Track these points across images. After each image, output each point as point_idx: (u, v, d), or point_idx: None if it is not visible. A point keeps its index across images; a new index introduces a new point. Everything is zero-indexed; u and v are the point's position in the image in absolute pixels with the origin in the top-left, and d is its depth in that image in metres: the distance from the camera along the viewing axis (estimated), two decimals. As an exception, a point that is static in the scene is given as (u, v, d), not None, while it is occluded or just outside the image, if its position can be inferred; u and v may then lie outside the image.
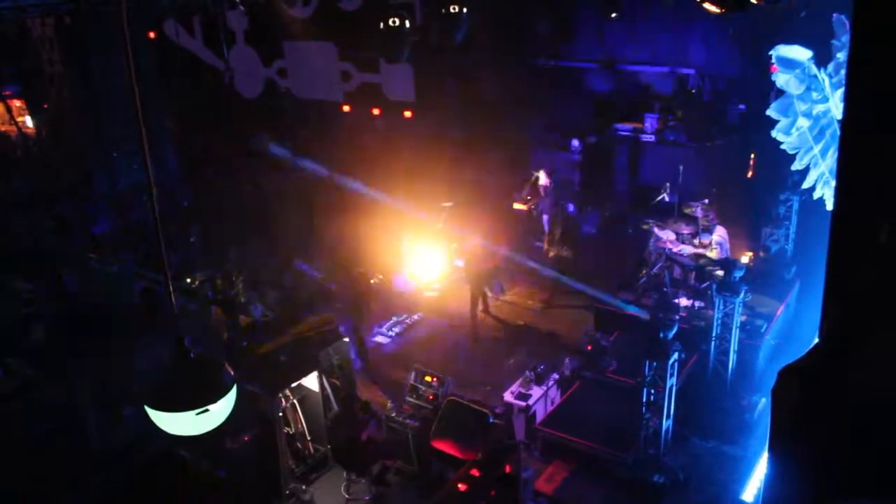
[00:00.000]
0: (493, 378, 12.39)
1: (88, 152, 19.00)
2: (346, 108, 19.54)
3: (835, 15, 11.39)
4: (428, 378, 10.54)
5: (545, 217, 17.13)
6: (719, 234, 13.26)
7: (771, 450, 3.20)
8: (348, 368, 10.78)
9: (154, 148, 18.45)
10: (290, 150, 19.08)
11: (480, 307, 14.22)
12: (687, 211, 13.59)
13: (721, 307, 11.25)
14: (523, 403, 10.90)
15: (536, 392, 11.12)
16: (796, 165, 12.27)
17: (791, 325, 13.21)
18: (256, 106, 20.26)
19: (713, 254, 12.99)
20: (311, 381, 10.38)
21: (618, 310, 13.17)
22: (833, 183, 7.94)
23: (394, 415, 10.35)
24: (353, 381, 10.94)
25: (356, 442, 10.94)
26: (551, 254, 14.66)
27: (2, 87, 20.65)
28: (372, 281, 14.15)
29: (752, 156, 15.98)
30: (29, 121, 21.51)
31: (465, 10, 14.10)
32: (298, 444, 10.59)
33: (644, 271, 13.79)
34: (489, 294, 14.43)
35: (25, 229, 15.73)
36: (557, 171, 16.81)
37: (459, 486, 8.50)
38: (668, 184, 14.40)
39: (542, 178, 16.53)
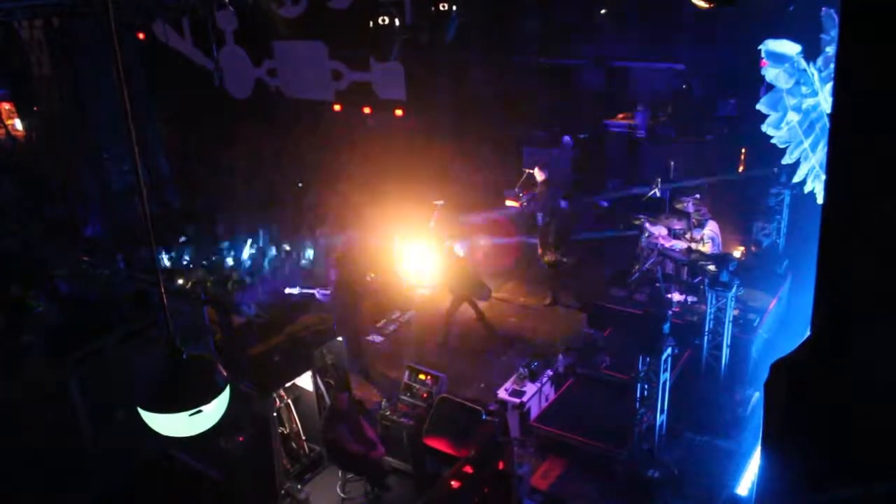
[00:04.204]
0: (486, 375, 12.41)
1: (79, 154, 18.91)
2: (336, 108, 19.53)
3: (823, 9, 11.43)
4: (422, 376, 10.53)
5: (538, 215, 17.14)
6: (711, 228, 13.30)
7: (764, 443, 3.21)
8: (342, 368, 10.77)
9: (144, 150, 18.41)
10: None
11: (474, 316, 14.15)
12: (678, 206, 13.63)
13: (713, 302, 11.29)
14: (517, 400, 10.91)
15: (530, 389, 11.14)
16: (787, 160, 12.30)
17: (783, 318, 13.26)
18: (247, 106, 20.23)
19: (705, 248, 13.03)
20: (306, 381, 10.37)
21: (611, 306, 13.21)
22: (823, 177, 7.99)
23: (388, 413, 10.35)
24: (348, 381, 10.93)
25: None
26: (546, 258, 14.57)
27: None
28: (367, 278, 14.12)
29: (743, 150, 16.04)
30: (18, 124, 21.41)
31: (454, 7, 14.12)
32: (293, 444, 10.59)
33: (636, 267, 13.82)
34: (478, 302, 14.30)
35: (15, 232, 15.65)
36: (550, 166, 16.82)
37: (452, 483, 8.49)
38: (659, 179, 14.43)
39: (538, 174, 16.53)
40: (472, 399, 10.01)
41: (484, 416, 9.39)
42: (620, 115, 18.11)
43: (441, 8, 14.42)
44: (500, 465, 8.85)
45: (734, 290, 11.16)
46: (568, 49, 18.36)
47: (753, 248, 13.97)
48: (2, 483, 9.17)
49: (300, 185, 18.89)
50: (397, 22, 15.46)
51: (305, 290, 13.27)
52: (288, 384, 10.32)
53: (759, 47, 11.89)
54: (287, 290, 13.35)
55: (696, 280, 12.87)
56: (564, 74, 18.62)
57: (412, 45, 16.76)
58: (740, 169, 16.16)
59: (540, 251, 14.75)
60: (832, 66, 11.24)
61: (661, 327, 9.53)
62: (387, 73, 18.05)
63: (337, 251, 14.00)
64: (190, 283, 13.59)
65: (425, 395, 10.35)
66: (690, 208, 13.36)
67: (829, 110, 10.41)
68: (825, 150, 6.83)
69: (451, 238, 14.41)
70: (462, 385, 11.67)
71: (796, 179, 12.51)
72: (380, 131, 19.34)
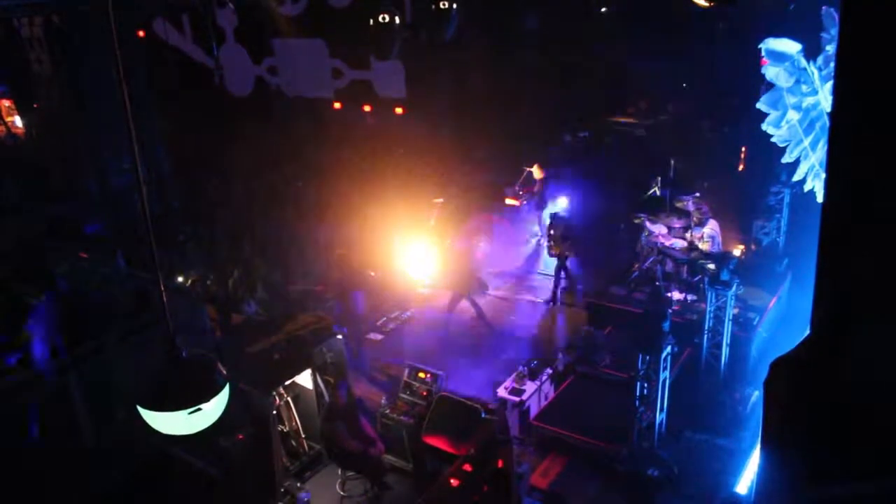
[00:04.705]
0: (486, 374, 12.41)
1: (79, 152, 18.92)
2: (337, 106, 19.50)
3: (823, 8, 11.42)
4: (421, 374, 10.54)
5: (538, 213, 17.15)
6: (711, 227, 13.28)
7: (763, 442, 3.21)
8: (341, 366, 10.77)
9: (145, 147, 18.41)
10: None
11: (474, 314, 14.16)
12: (678, 205, 13.62)
13: (713, 300, 11.28)
14: (517, 398, 10.92)
15: (530, 387, 11.15)
16: (787, 158, 12.29)
17: (783, 317, 13.26)
18: (247, 104, 20.21)
19: (705, 247, 13.02)
20: (305, 379, 10.37)
21: (611, 304, 13.23)
22: (823, 175, 8.01)
23: (388, 411, 10.35)
24: (347, 379, 10.93)
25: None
26: (553, 251, 14.57)
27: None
28: (371, 273, 14.12)
29: (743, 149, 16.03)
30: (18, 121, 21.42)
31: (454, 5, 14.09)
32: (293, 442, 10.58)
33: (636, 265, 13.82)
34: (476, 299, 14.30)
35: (15, 229, 15.65)
36: (549, 165, 16.85)
37: (452, 481, 8.50)
38: (659, 178, 14.42)
39: (536, 172, 16.55)
40: (472, 397, 10.00)
41: (483, 415, 9.39)
42: (627, 111, 18.11)
43: (441, 6, 14.38)
44: (500, 464, 8.85)
45: (734, 288, 11.15)
46: (568, 47, 18.33)
47: (753, 247, 13.97)
48: (1, 482, 9.17)
49: (300, 183, 18.89)
50: (397, 20, 15.42)
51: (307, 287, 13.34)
52: (287, 382, 10.31)
53: (760, 46, 11.88)
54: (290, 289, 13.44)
55: (695, 278, 12.87)
56: (564, 73, 18.59)
57: (412, 43, 16.74)
58: (740, 167, 16.15)
59: (547, 244, 14.74)
60: (832, 64, 11.23)
61: (661, 326, 9.53)
62: (387, 72, 18.03)
63: (339, 250, 14.00)
64: (190, 282, 13.60)
65: (425, 394, 10.35)
66: (691, 207, 13.36)
67: (829, 109, 10.41)
68: (825, 148, 6.83)
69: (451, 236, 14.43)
70: (462, 383, 11.66)
71: (796, 178, 12.51)
72: (380, 129, 19.32)
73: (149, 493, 8.90)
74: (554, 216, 14.82)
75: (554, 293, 14.87)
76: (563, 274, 14.79)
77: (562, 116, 18.61)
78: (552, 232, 14.55)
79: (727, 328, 11.40)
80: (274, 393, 10.06)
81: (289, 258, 15.83)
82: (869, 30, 2.50)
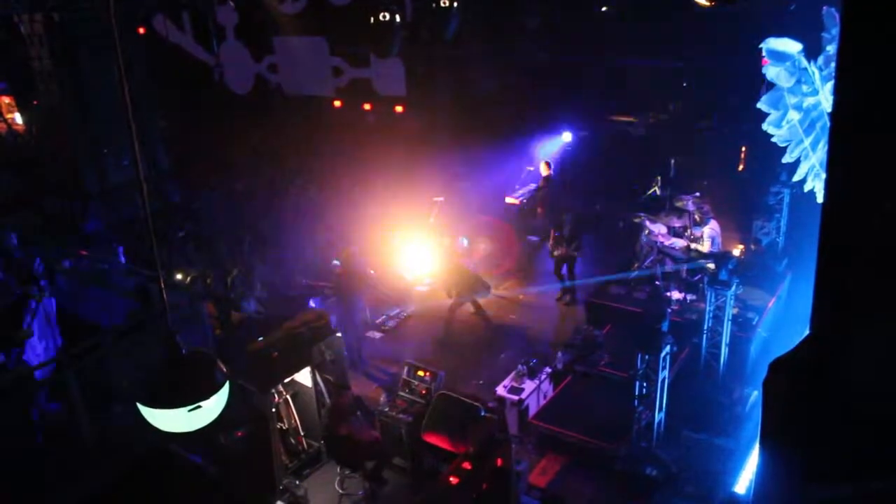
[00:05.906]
0: (485, 372, 12.41)
1: (79, 149, 18.89)
2: (337, 104, 19.49)
3: (824, 8, 11.43)
4: (420, 372, 10.53)
5: (539, 211, 17.13)
6: (711, 227, 13.29)
7: (762, 442, 3.21)
8: (341, 364, 10.77)
9: (145, 145, 18.41)
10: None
11: (473, 311, 14.15)
12: (678, 204, 13.62)
13: (713, 300, 11.28)
14: (516, 397, 10.92)
15: (529, 386, 11.15)
16: (787, 158, 12.30)
17: (782, 317, 13.26)
18: (247, 102, 20.19)
19: (704, 247, 13.02)
20: (304, 377, 10.37)
21: (610, 303, 13.23)
22: (824, 175, 7.99)
23: (387, 409, 10.35)
24: (346, 377, 10.93)
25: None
26: (556, 252, 14.44)
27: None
28: (371, 272, 14.13)
29: (743, 149, 16.03)
30: (18, 118, 21.38)
31: (455, 4, 14.08)
32: (292, 440, 10.59)
33: (635, 265, 13.82)
34: (479, 300, 14.25)
35: (15, 226, 15.63)
36: (552, 163, 16.87)
37: (451, 479, 8.49)
38: (659, 177, 14.42)
39: (543, 169, 16.52)
40: (471, 396, 10.00)
41: (483, 413, 9.39)
42: (621, 113, 18.09)
43: (442, 4, 14.37)
44: (499, 462, 8.85)
45: (733, 288, 11.16)
46: (568, 46, 18.32)
47: (753, 247, 13.97)
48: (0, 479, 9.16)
49: (300, 181, 18.89)
50: (398, 18, 15.42)
51: (312, 282, 13.38)
52: (286, 380, 10.32)
53: (761, 45, 11.88)
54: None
55: (695, 278, 12.87)
56: (565, 72, 18.58)
57: (413, 41, 16.73)
58: (740, 167, 16.16)
59: (551, 245, 14.67)
60: (833, 64, 11.24)
61: (660, 325, 9.53)
62: (387, 70, 18.01)
63: (343, 248, 14.01)
64: (189, 279, 13.58)
65: (424, 392, 10.35)
66: (690, 206, 13.36)
67: (829, 109, 10.41)
68: (825, 148, 6.83)
69: (452, 233, 14.40)
70: (461, 382, 11.66)
71: (796, 178, 12.51)
72: (380, 128, 19.32)
73: (147, 490, 8.88)
74: (565, 214, 14.71)
75: (565, 289, 14.74)
76: (564, 270, 14.69)
77: (562, 115, 18.58)
78: (557, 233, 14.40)
79: (726, 328, 11.41)
80: (273, 391, 10.07)
81: (288, 256, 15.83)
82: (869, 30, 2.50)
